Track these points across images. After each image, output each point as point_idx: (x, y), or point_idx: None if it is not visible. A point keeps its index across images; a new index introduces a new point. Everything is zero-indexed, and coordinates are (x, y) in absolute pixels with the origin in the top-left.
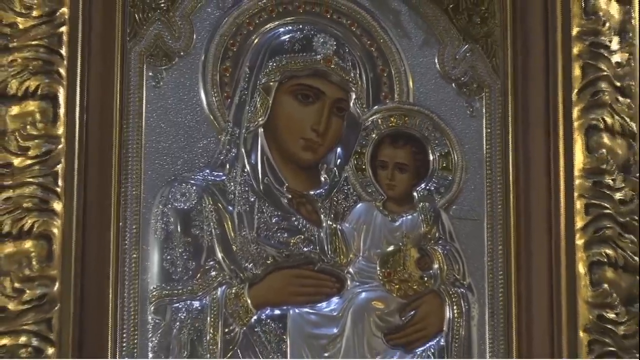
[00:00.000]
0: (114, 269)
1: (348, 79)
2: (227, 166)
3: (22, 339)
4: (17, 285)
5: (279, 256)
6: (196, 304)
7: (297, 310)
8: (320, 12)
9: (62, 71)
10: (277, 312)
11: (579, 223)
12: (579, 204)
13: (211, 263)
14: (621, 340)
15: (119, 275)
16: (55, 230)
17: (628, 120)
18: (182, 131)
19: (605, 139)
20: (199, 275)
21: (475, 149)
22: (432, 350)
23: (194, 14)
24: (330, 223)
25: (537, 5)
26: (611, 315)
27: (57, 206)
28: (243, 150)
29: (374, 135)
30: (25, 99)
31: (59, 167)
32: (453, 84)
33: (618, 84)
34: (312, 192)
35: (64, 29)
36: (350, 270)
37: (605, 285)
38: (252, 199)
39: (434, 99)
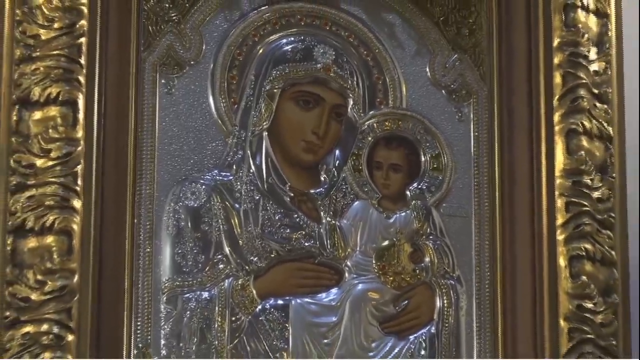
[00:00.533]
0: (129, 262)
1: (346, 86)
2: (234, 167)
3: (44, 327)
4: (39, 277)
5: (282, 250)
6: (205, 294)
7: (298, 301)
8: (320, 24)
9: (82, 79)
10: (280, 302)
11: (560, 220)
12: (559, 202)
13: (219, 257)
14: (599, 328)
15: (133, 268)
16: (75, 227)
17: (605, 124)
18: (192, 134)
19: (584, 142)
20: (207, 268)
21: (463, 151)
22: (424, 338)
23: (204, 26)
24: (330, 220)
25: (521, 18)
26: (589, 305)
27: (77, 204)
28: (249, 152)
29: (369, 138)
30: (47, 104)
31: (79, 168)
32: (443, 91)
33: (596, 91)
34: (312, 191)
35: (83, 40)
36: (348, 263)
37: (584, 278)
38: (257, 198)
39: (425, 104)
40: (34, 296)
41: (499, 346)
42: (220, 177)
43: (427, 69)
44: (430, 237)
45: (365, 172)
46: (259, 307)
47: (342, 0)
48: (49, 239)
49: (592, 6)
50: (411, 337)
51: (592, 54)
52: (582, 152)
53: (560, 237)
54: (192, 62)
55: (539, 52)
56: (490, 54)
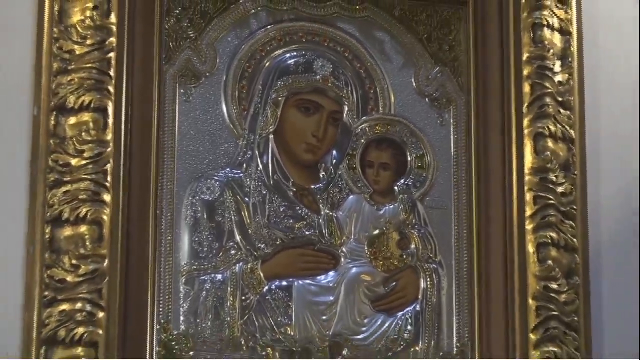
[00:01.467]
0: (152, 249)
1: (342, 95)
2: (244, 165)
3: (78, 305)
4: (74, 261)
5: (285, 238)
6: (219, 276)
7: (300, 282)
8: (319, 41)
9: (111, 88)
10: (284, 283)
11: (528, 211)
12: (528, 196)
13: (231, 244)
14: (562, 306)
15: (156, 253)
16: (105, 217)
17: (568, 128)
18: (207, 137)
19: (550, 143)
20: (221, 253)
21: (444, 152)
22: (409, 314)
23: (217, 42)
24: (327, 211)
25: (494, 36)
26: (554, 286)
27: (107, 197)
28: (257, 152)
29: (362, 140)
30: (81, 111)
31: (108, 166)
32: (426, 99)
33: (560, 99)
34: (312, 186)
35: (112, 54)
36: (343, 249)
37: (550, 262)
38: (264, 192)
39: (411, 111)
40: (69, 278)
41: (475, 322)
42: (232, 174)
43: (413, 80)
44: (415, 226)
45: (358, 170)
46: (266, 287)
47: (338, 20)
48: (82, 228)
49: (556, 25)
50: (399, 314)
51: (557, 66)
52: (548, 152)
53: (528, 226)
54: (207, 74)
55: (510, 65)
56: (468, 67)
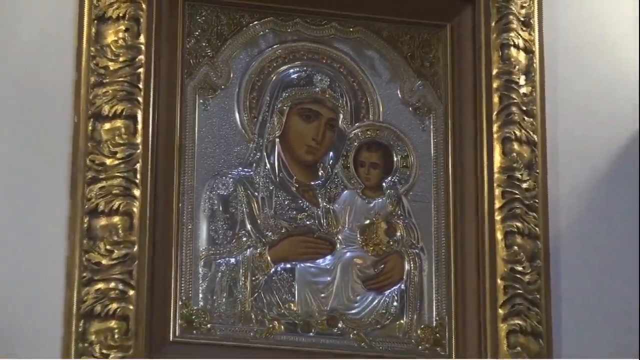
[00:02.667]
0: (176, 236)
1: (338, 104)
2: (254, 165)
3: (112, 285)
4: (108, 247)
5: (289, 227)
6: (232, 260)
7: (302, 265)
8: (318, 58)
9: (140, 99)
10: (288, 266)
11: (497, 204)
12: (497, 191)
13: (243, 232)
14: (526, 285)
15: (178, 240)
16: (135, 209)
17: (531, 133)
18: (222, 140)
19: (515, 146)
20: (234, 240)
21: (425, 153)
22: (396, 293)
23: (231, 60)
24: (325, 204)
25: (468, 54)
26: (519, 268)
27: (136, 192)
28: (265, 153)
29: (355, 144)
30: (114, 118)
31: (138, 166)
32: (410, 108)
33: (524, 108)
34: (312, 183)
35: (141, 70)
36: (339, 237)
37: (516, 247)
38: (271, 188)
39: (397, 118)
40: (104, 261)
41: (451, 298)
42: (244, 173)
43: (398, 92)
44: (401, 217)
45: (352, 168)
46: (272, 269)
47: (334, 40)
48: (116, 219)
49: (521, 45)
50: (386, 292)
51: (522, 80)
52: (514, 154)
53: (497, 217)
54: (222, 87)
55: (482, 79)
56: (445, 81)
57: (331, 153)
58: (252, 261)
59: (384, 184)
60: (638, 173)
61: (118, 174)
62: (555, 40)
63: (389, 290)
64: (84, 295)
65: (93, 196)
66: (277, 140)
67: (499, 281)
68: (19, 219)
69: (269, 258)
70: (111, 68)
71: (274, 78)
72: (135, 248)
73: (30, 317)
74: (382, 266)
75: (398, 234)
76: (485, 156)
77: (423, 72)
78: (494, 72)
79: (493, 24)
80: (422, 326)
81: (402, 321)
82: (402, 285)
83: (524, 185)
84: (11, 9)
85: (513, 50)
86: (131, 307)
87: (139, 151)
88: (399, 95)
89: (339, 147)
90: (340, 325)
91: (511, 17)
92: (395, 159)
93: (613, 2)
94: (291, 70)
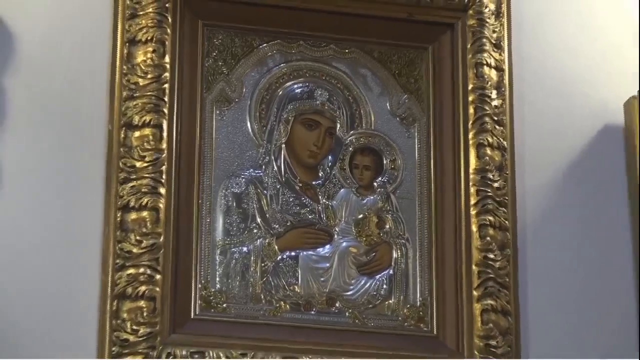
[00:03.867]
0: (196, 228)
1: (335, 115)
2: (263, 167)
3: (141, 270)
4: (138, 237)
5: (294, 221)
6: (245, 249)
7: (304, 253)
8: (319, 75)
9: (165, 110)
10: (292, 254)
11: (473, 201)
12: (472, 190)
13: (253, 225)
14: (497, 270)
15: (198, 232)
16: (161, 205)
17: (501, 139)
18: (236, 146)
19: (488, 151)
20: (246, 232)
21: (410, 157)
22: (385, 277)
23: (244, 77)
24: (325, 201)
25: (447, 72)
26: (491, 256)
27: (162, 191)
28: (273, 157)
29: (350, 149)
30: (143, 127)
31: (163, 168)
32: (397, 118)
33: (496, 118)
34: (313, 182)
35: (166, 85)
36: (336, 229)
37: (488, 238)
38: (278, 187)
39: (386, 127)
40: (134, 250)
41: (433, 282)
42: (254, 174)
43: (387, 105)
44: (389, 212)
45: (347, 170)
46: (279, 257)
47: (332, 60)
48: (144, 213)
49: (493, 64)
50: (377, 276)
51: (493, 94)
52: (487, 158)
53: (473, 212)
54: (236, 100)
55: (459, 94)
56: (428, 95)
57: (330, 157)
58: (261, 250)
59: (375, 184)
60: (597, 174)
61: (146, 175)
62: (522, 60)
63: (379, 275)
64: (117, 279)
65: (125, 194)
66: (283, 145)
67: (473, 267)
68: (61, 214)
69: (276, 247)
70: (140, 84)
71: (280, 92)
72: (161, 238)
73: (71, 298)
74: (374, 254)
75: (387, 226)
76: (462, 159)
77: (409, 87)
78: (470, 87)
79: (469, 46)
80: (408, 306)
81: (390, 301)
82: (391, 271)
83: (495, 185)
84: (56, 33)
85: (486, 69)
86: (157, 289)
87: (164, 155)
88: (388, 108)
89: (337, 151)
90: (337, 304)
91: (484, 40)
92: (384, 162)
93: (573, 27)
94: (295, 86)
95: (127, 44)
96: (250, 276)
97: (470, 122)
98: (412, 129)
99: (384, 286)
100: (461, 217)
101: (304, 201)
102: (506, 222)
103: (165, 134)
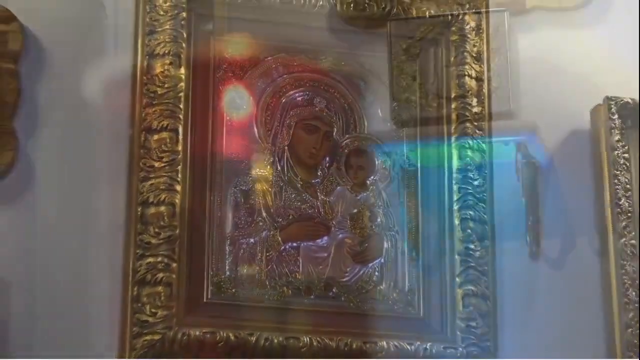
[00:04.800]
0: (208, 222)
1: (333, 120)
2: (268, 167)
3: (159, 259)
4: (156, 230)
5: (295, 215)
6: (252, 240)
7: (305, 244)
8: (318, 85)
9: (181, 116)
10: (294, 244)
11: (455, 197)
12: (455, 187)
13: (259, 219)
14: (477, 259)
15: (211, 225)
16: (177, 201)
17: (481, 142)
18: (245, 148)
19: (469, 152)
20: (253, 225)
21: (400, 159)
22: (377, 265)
23: (251, 86)
24: (323, 197)
25: (432, 82)
26: (472, 246)
27: (178, 188)
28: (277, 158)
29: (346, 151)
30: (161, 131)
31: (179, 168)
32: (388, 124)
33: (476, 123)
34: (313, 181)
35: (181, 94)
36: (334, 222)
37: (469, 230)
38: (282, 185)
39: (378, 131)
40: (153, 241)
41: (419, 269)
42: (260, 173)
43: (379, 111)
44: (381, 207)
45: (343, 170)
46: (282, 247)
47: (330, 71)
48: (162, 208)
49: (474, 75)
50: (370, 265)
51: (474, 102)
52: (468, 158)
53: (455, 207)
54: (244, 107)
55: (443, 102)
56: (415, 103)
57: (327, 158)
58: (266, 241)
59: (368, 182)
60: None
61: (164, 174)
62: (499, 72)
63: (372, 264)
64: (137, 267)
65: (145, 191)
66: (286, 148)
67: (456, 256)
68: (88, 209)
69: (279, 238)
70: (159, 92)
71: (284, 100)
72: (177, 231)
73: (96, 283)
74: (367, 245)
75: (379, 220)
76: (445, 160)
77: (398, 96)
78: (452, 95)
79: (452, 58)
80: (397, 291)
81: (381, 287)
82: (382, 260)
83: (475, 183)
84: (85, 48)
85: (467, 79)
86: (174, 276)
87: (180, 156)
88: (380, 114)
89: (334, 153)
90: (334, 290)
91: (465, 53)
92: (376, 162)
93: (546, 41)
94: (297, 94)
95: (147, 57)
96: (257, 264)
97: (453, 126)
98: (401, 133)
99: (376, 273)
100: (444, 212)
101: (305, 198)
102: (485, 216)
103: (180, 137)
